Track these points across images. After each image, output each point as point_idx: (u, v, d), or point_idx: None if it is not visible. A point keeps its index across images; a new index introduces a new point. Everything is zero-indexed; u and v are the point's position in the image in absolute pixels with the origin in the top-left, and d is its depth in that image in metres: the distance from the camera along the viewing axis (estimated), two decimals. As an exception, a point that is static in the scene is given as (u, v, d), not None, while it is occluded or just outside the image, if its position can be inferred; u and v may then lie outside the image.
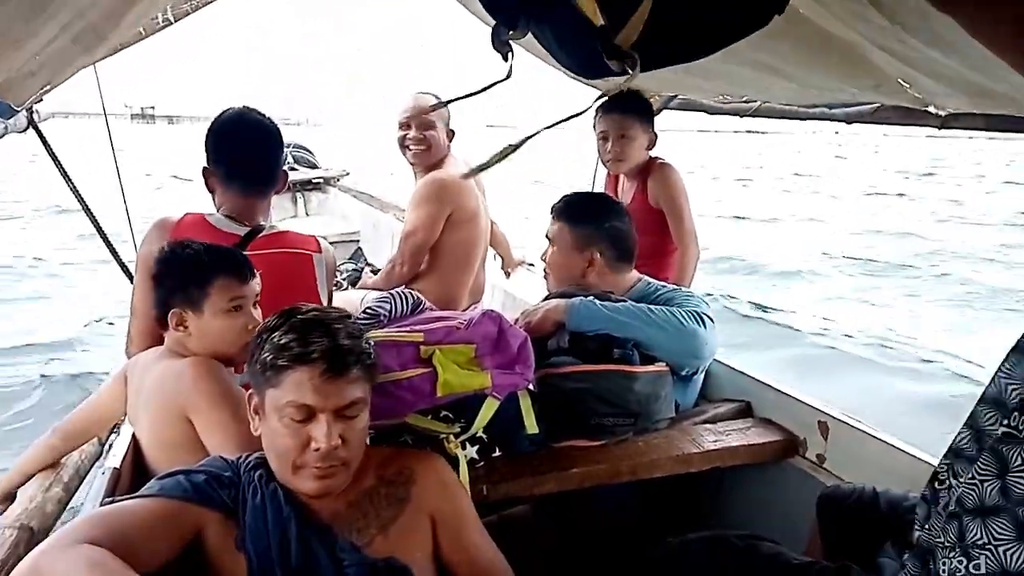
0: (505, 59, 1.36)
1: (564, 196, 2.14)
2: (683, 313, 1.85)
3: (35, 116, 2.29)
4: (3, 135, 2.15)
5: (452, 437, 1.60)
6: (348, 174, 6.64)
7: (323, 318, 1.24)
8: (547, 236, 2.13)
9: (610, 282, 2.04)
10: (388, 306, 1.78)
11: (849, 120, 2.13)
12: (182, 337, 1.57)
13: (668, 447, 1.78)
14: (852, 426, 1.76)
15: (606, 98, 2.44)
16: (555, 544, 1.79)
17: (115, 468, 1.58)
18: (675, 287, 2.10)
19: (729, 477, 1.95)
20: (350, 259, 5.03)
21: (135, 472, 1.62)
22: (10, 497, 1.77)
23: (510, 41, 1.24)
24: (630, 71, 1.31)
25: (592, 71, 1.51)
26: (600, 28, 1.17)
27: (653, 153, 2.70)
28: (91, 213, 2.59)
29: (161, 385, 1.53)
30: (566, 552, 1.77)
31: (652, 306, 1.88)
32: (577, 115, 1.29)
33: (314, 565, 1.20)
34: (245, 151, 1.99)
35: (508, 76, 1.53)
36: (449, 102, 2.18)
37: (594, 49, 1.19)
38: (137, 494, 1.21)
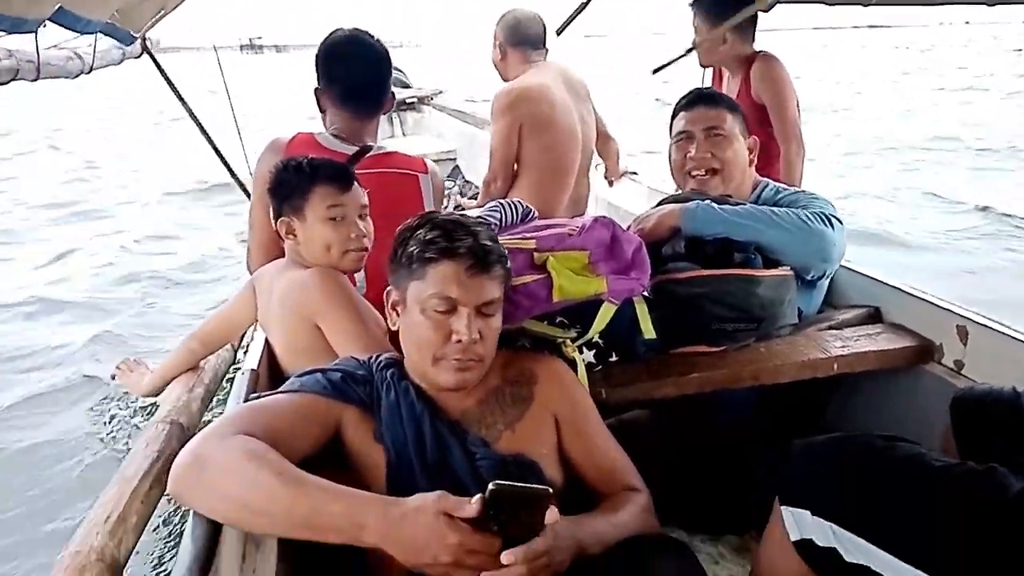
0: None
1: (695, 90, 2.03)
2: (809, 214, 1.76)
3: (149, 43, 2.38)
4: (121, 61, 2.25)
5: (569, 342, 1.60)
6: (442, 92, 6.66)
7: (464, 220, 1.29)
8: (698, 130, 1.93)
9: (749, 176, 1.98)
10: (499, 214, 1.77)
11: (991, 1, 1.91)
12: (293, 245, 1.65)
13: (792, 352, 1.72)
14: (995, 330, 1.64)
15: None
16: (675, 449, 1.79)
17: (253, 369, 1.68)
18: (798, 189, 2.00)
19: (858, 385, 1.87)
20: (448, 177, 5.08)
21: (271, 373, 1.72)
22: (156, 393, 1.96)
23: None
24: None
25: None
26: None
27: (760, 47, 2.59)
28: (207, 134, 2.69)
29: (289, 294, 1.59)
30: (686, 456, 1.77)
31: (775, 208, 1.80)
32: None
33: (448, 458, 1.24)
34: (361, 74, 2.02)
35: None
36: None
37: None
38: (279, 390, 1.28)
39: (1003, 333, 1.63)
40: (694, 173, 1.92)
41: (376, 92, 2.05)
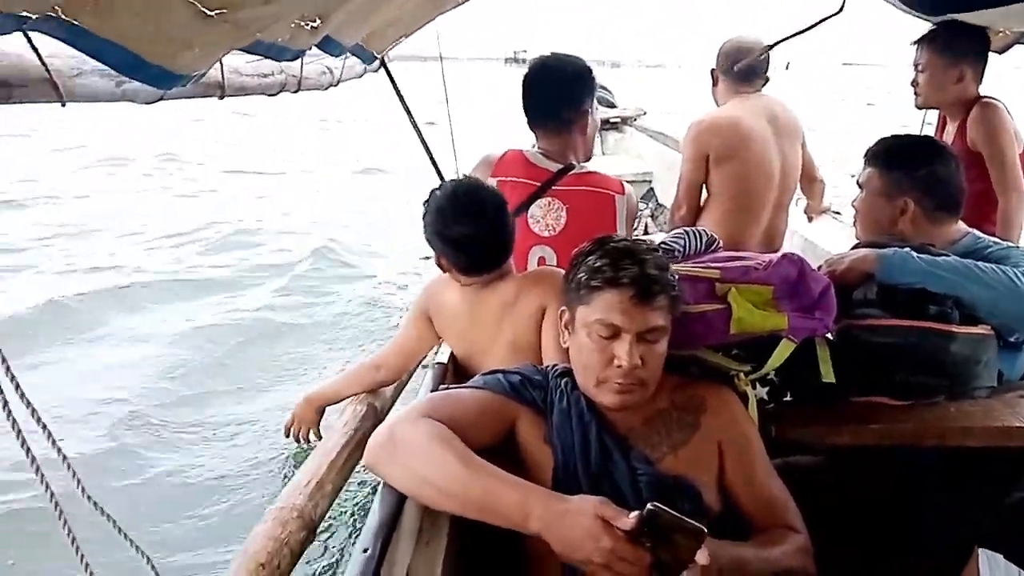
0: None
1: (879, 139, 1.99)
2: (1018, 273, 1.64)
3: (386, 59, 2.68)
4: (363, 74, 2.57)
5: (742, 375, 1.61)
6: (645, 113, 6.68)
7: (634, 248, 1.34)
8: (858, 182, 2.00)
9: (927, 233, 1.86)
10: (683, 242, 1.81)
11: None
12: None
13: (985, 416, 1.62)
14: None
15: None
16: (843, 500, 1.73)
17: (442, 363, 1.85)
18: (1009, 244, 1.87)
19: None
20: (642, 199, 5.11)
21: (456, 370, 1.87)
22: (320, 412, 2.01)
23: None
24: None
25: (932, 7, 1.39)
26: None
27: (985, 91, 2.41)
28: (427, 146, 2.97)
29: (515, 294, 1.74)
30: (853, 510, 1.70)
31: (979, 263, 1.70)
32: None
33: (611, 469, 1.31)
34: (542, 95, 2.16)
35: (840, 10, 1.46)
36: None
37: None
38: (464, 385, 1.42)
39: None
40: None
41: (557, 110, 2.16)
